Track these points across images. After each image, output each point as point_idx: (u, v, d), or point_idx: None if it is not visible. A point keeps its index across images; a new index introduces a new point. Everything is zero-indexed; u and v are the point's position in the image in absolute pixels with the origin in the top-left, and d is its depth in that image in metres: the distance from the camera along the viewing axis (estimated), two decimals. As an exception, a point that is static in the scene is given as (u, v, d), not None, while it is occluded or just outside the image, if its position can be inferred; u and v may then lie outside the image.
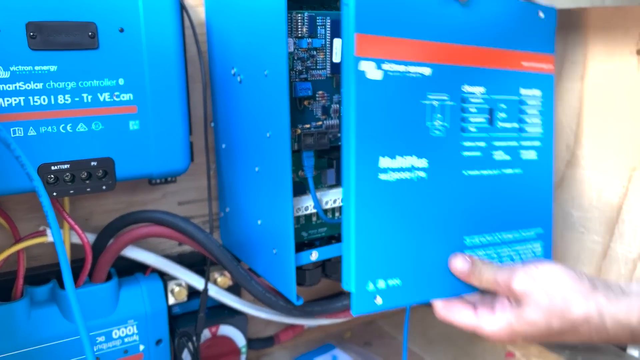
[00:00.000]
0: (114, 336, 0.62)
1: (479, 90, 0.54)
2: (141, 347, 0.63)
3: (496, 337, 0.51)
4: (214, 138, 0.70)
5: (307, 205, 0.59)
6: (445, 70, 0.52)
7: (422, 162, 0.51)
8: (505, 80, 0.56)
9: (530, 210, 0.59)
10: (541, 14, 0.58)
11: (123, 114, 0.56)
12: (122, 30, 0.55)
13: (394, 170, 0.50)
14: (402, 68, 0.49)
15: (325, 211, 0.60)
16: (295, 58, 0.56)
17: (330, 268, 0.61)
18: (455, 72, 0.53)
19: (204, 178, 0.71)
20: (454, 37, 0.52)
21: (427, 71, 0.51)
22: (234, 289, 0.72)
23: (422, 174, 0.51)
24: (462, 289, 0.54)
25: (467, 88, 0.54)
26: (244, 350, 0.74)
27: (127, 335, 0.62)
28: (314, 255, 0.59)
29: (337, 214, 0.63)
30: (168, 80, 0.58)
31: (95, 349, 0.61)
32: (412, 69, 0.50)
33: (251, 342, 0.79)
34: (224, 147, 0.68)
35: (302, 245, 0.60)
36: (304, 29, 0.56)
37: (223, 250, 0.62)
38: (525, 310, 0.49)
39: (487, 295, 0.54)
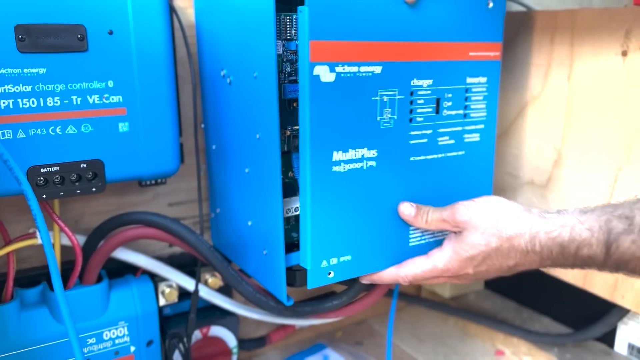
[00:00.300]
0: (105, 338, 0.62)
1: (426, 82, 0.58)
2: (132, 349, 0.64)
3: (448, 268, 0.56)
4: (204, 139, 0.70)
5: (297, 206, 0.59)
6: (395, 67, 0.55)
7: (372, 153, 0.56)
8: (453, 71, 0.60)
9: (473, 186, 0.64)
10: (490, 4, 0.61)
11: (112, 116, 0.56)
12: (111, 33, 0.55)
13: (346, 162, 0.54)
14: (354, 69, 0.53)
15: (315, 212, 0.61)
16: (284, 60, 0.56)
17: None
18: (405, 67, 0.56)
19: (194, 179, 0.71)
20: (403, 35, 0.55)
21: (377, 69, 0.54)
22: (224, 290, 0.72)
23: (372, 163, 0.56)
24: (403, 258, 0.60)
25: (415, 82, 0.57)
26: (235, 350, 0.74)
27: (117, 337, 0.62)
28: (304, 256, 0.59)
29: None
30: (157, 82, 0.58)
31: (86, 351, 0.61)
32: (364, 68, 0.53)
33: (242, 343, 0.79)
34: (214, 149, 0.68)
35: (292, 246, 0.61)
36: (293, 32, 0.56)
37: (213, 251, 0.63)
38: (466, 235, 0.54)
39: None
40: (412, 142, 0.58)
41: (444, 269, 0.56)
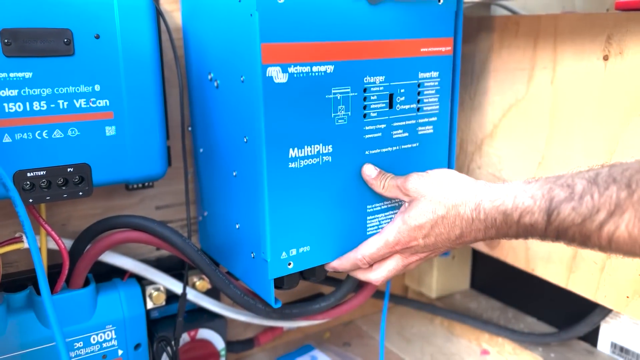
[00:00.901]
0: (92, 341, 0.61)
1: (379, 79, 0.59)
2: (120, 352, 0.63)
3: (399, 240, 0.57)
4: (191, 142, 0.70)
5: (284, 209, 0.59)
6: (347, 65, 0.57)
7: (328, 148, 0.57)
8: (405, 67, 0.61)
9: None
10: (440, 1, 0.62)
11: (99, 119, 0.56)
12: (97, 37, 0.55)
13: (301, 158, 0.56)
14: (306, 69, 0.54)
15: (303, 215, 0.61)
16: (272, 64, 0.57)
17: (308, 271, 0.62)
18: (357, 65, 0.58)
19: (181, 182, 0.71)
20: (354, 34, 0.57)
21: (329, 69, 0.56)
22: (212, 293, 0.72)
23: (327, 158, 0.58)
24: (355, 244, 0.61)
25: (368, 79, 0.59)
26: (223, 353, 0.74)
27: (105, 341, 0.62)
28: (292, 259, 0.60)
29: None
30: (144, 85, 0.59)
31: (73, 355, 0.60)
32: (316, 68, 0.55)
33: (230, 345, 0.79)
34: (201, 152, 0.68)
35: (279, 249, 0.61)
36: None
37: (201, 254, 0.63)
38: (414, 204, 0.56)
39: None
40: (367, 136, 0.60)
41: (395, 241, 0.57)
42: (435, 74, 0.64)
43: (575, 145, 0.65)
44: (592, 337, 0.79)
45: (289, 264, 0.58)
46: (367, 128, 0.59)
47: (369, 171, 0.60)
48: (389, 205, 0.63)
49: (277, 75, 0.52)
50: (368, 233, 0.62)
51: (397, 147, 0.62)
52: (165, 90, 0.65)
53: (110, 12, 0.55)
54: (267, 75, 0.52)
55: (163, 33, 0.65)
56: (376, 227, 0.63)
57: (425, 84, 0.63)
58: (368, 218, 0.62)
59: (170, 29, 0.64)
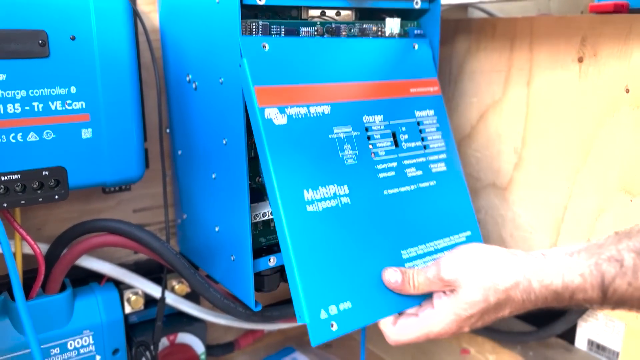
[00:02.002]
0: (69, 347, 0.61)
1: (378, 118, 0.60)
2: (97, 358, 0.63)
3: (446, 332, 0.52)
4: (169, 144, 0.70)
5: (264, 211, 0.59)
6: (343, 106, 0.57)
7: (344, 189, 0.55)
8: (399, 106, 0.62)
9: (454, 216, 0.63)
10: (415, 46, 0.64)
11: (75, 122, 0.56)
12: (73, 38, 0.54)
13: (319, 200, 0.53)
14: (303, 110, 0.54)
15: (283, 217, 0.61)
16: (251, 66, 0.56)
17: (288, 273, 0.62)
18: (353, 106, 0.58)
19: (159, 185, 0.70)
20: (345, 76, 0.58)
21: (327, 109, 0.56)
22: (192, 296, 0.72)
23: (345, 199, 0.55)
24: (409, 301, 0.56)
25: (367, 118, 0.59)
26: (203, 357, 0.74)
27: (82, 346, 0.61)
28: (272, 261, 0.59)
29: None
30: (121, 87, 0.58)
31: (49, 361, 0.60)
32: (313, 109, 0.55)
33: (210, 349, 0.78)
34: (180, 154, 0.67)
35: (260, 251, 0.61)
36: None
37: (180, 258, 0.62)
38: (461, 293, 0.51)
39: (426, 299, 0.56)
40: (380, 175, 0.58)
41: (440, 332, 0.52)
42: (430, 112, 0.64)
43: (552, 146, 0.66)
44: (569, 335, 0.80)
45: (332, 326, 0.51)
46: (378, 167, 0.58)
47: (392, 277, 0.54)
48: (426, 250, 0.59)
49: (276, 116, 0.52)
50: None
51: (415, 186, 0.61)
52: (142, 92, 0.65)
53: (87, 13, 0.55)
54: (266, 117, 0.52)
55: (140, 34, 0.64)
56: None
57: (425, 122, 0.63)
58: (406, 265, 0.57)
59: (147, 30, 0.63)
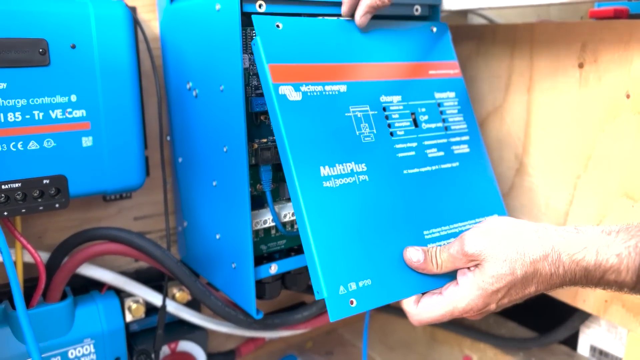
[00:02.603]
0: (70, 356, 0.60)
1: (396, 99, 0.59)
2: (98, 367, 0.62)
3: (471, 308, 0.50)
4: (170, 152, 0.70)
5: (265, 218, 0.59)
6: (360, 85, 0.57)
7: (361, 167, 0.54)
8: (418, 87, 0.61)
9: (480, 198, 0.62)
10: (434, 29, 0.64)
11: (76, 130, 0.56)
12: (73, 47, 0.54)
13: (335, 177, 0.53)
14: (319, 88, 0.54)
15: (284, 224, 0.61)
16: (251, 74, 0.56)
17: (290, 280, 0.62)
18: (370, 86, 0.57)
19: (160, 192, 0.70)
20: (360, 57, 0.57)
21: (342, 88, 0.55)
22: (193, 304, 0.72)
23: (363, 177, 0.54)
24: (431, 282, 0.54)
25: (384, 98, 0.58)
26: (204, 365, 0.74)
27: (83, 355, 0.61)
28: (274, 269, 0.59)
29: (295, 227, 0.63)
30: (122, 95, 0.58)
31: (50, 370, 0.59)
32: (329, 87, 0.55)
33: (212, 357, 0.78)
34: (180, 161, 0.67)
35: (261, 259, 0.61)
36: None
37: (181, 266, 0.62)
38: (486, 267, 0.48)
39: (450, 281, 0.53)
40: (400, 155, 0.57)
41: (465, 309, 0.50)
42: (451, 94, 0.63)
43: (553, 151, 0.66)
44: (572, 341, 0.79)
45: (352, 302, 0.50)
46: (397, 146, 0.57)
47: (414, 256, 0.52)
48: (450, 232, 0.58)
49: (291, 93, 0.52)
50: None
51: (437, 167, 0.60)
52: (143, 100, 0.65)
53: (87, 21, 0.55)
54: (280, 93, 0.52)
55: (140, 42, 0.64)
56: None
57: (445, 104, 0.62)
58: (428, 246, 0.55)
59: (147, 38, 0.63)
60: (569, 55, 0.63)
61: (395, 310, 0.94)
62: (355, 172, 0.54)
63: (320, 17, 0.57)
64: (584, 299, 0.65)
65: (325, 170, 0.52)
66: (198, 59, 0.59)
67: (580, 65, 0.62)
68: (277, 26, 0.53)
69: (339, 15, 0.59)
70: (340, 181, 0.53)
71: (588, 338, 0.77)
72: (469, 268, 0.50)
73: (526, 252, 0.47)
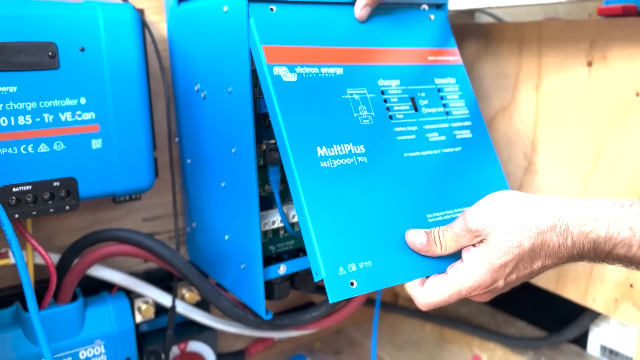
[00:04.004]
0: (81, 357, 0.61)
1: (394, 83, 0.58)
2: (109, 367, 0.63)
3: (479, 285, 0.47)
4: (178, 153, 0.70)
5: (274, 219, 0.59)
6: (357, 68, 0.56)
7: (360, 148, 0.54)
8: (417, 72, 0.60)
9: (484, 183, 0.60)
10: (432, 17, 0.63)
11: (85, 133, 0.56)
12: (82, 50, 0.54)
13: (333, 157, 0.52)
14: (314, 70, 0.54)
15: (293, 225, 0.61)
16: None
17: (299, 281, 0.62)
18: (367, 69, 0.57)
19: (169, 193, 0.71)
20: (357, 41, 0.57)
21: (339, 71, 0.55)
22: (202, 305, 0.72)
23: (362, 158, 0.54)
24: (434, 265, 0.52)
25: (382, 82, 0.58)
26: (213, 365, 0.74)
27: (94, 356, 0.62)
28: (282, 269, 0.59)
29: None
30: (130, 97, 0.58)
31: (61, 371, 0.60)
32: (324, 70, 0.54)
33: (221, 357, 0.78)
34: (189, 163, 0.68)
35: (270, 259, 0.61)
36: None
37: (190, 267, 0.62)
38: (492, 240, 0.47)
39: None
40: (399, 138, 0.57)
41: (473, 287, 0.47)
42: (452, 80, 0.63)
43: (562, 150, 0.66)
44: (581, 340, 0.79)
45: (352, 284, 0.48)
46: (397, 129, 0.57)
47: (417, 238, 0.51)
48: (453, 216, 0.56)
49: (285, 74, 0.52)
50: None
51: (439, 151, 0.58)
52: (151, 102, 0.65)
53: (95, 24, 0.55)
54: (274, 73, 0.51)
55: (148, 44, 0.65)
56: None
57: (446, 89, 0.62)
58: (428, 218, 0.55)
59: (155, 40, 0.64)
60: (578, 53, 0.63)
61: (404, 310, 0.94)
62: (353, 154, 0.53)
63: (315, 4, 0.56)
64: (593, 298, 0.65)
65: (322, 151, 0.52)
66: (206, 61, 0.59)
67: (589, 64, 0.62)
68: (271, 9, 0.53)
69: (339, 3, 0.58)
70: (338, 162, 0.52)
71: (598, 337, 0.77)
72: (474, 245, 0.49)
73: (533, 223, 0.45)
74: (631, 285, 0.61)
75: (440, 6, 0.64)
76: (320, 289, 0.69)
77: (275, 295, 0.60)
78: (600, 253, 0.44)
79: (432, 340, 0.91)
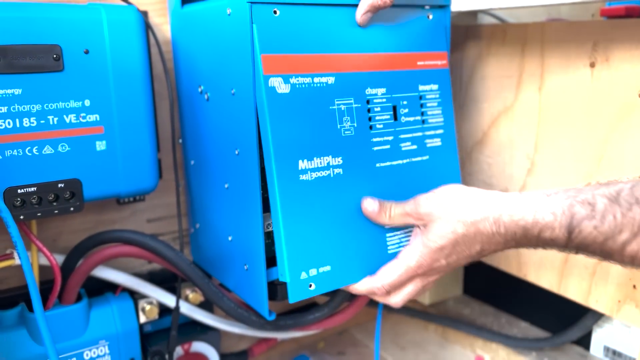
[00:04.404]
0: (86, 357, 0.61)
1: (380, 91, 0.60)
2: (113, 368, 0.63)
3: (421, 264, 0.55)
4: (182, 155, 0.70)
5: (277, 220, 0.59)
6: (347, 77, 0.57)
7: (337, 160, 0.56)
8: (404, 79, 0.62)
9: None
10: (430, 16, 0.64)
11: (89, 134, 0.56)
12: (87, 52, 0.55)
13: (312, 170, 0.55)
14: (307, 80, 0.55)
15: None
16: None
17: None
18: (357, 77, 0.58)
19: (172, 195, 0.71)
20: (352, 47, 0.58)
21: (330, 80, 0.56)
22: (205, 305, 0.72)
23: (338, 170, 0.57)
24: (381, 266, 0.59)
25: (369, 90, 0.59)
26: (217, 365, 0.74)
27: (98, 356, 0.62)
28: (285, 270, 0.60)
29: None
30: (134, 99, 0.59)
31: (66, 372, 0.60)
32: (317, 79, 0.55)
33: (224, 357, 0.79)
34: (192, 164, 0.68)
35: (273, 260, 0.61)
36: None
37: (194, 267, 0.63)
38: (431, 227, 0.54)
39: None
40: (375, 148, 0.59)
41: (417, 265, 0.55)
42: (434, 86, 0.64)
43: (564, 151, 0.66)
44: (585, 341, 0.79)
45: (310, 286, 0.55)
46: (374, 140, 0.59)
47: (370, 206, 0.57)
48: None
49: (280, 85, 0.53)
50: (389, 252, 0.60)
51: (408, 160, 0.61)
52: (155, 103, 0.65)
53: (99, 27, 0.55)
54: (269, 85, 0.52)
55: (152, 46, 0.65)
56: (397, 246, 0.61)
57: (427, 97, 0.63)
58: (387, 235, 0.60)
59: (159, 42, 0.64)
60: (580, 54, 0.63)
61: (407, 311, 0.94)
62: (331, 166, 0.56)
63: (318, 6, 0.56)
64: (596, 298, 0.65)
65: (303, 164, 0.54)
66: (209, 63, 0.60)
67: (592, 65, 0.62)
68: (274, 12, 0.53)
69: (340, 5, 0.58)
70: (316, 174, 0.55)
71: (601, 338, 0.77)
72: (419, 228, 0.56)
73: (468, 213, 0.52)
74: (634, 286, 0.61)
75: (442, 7, 0.65)
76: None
77: (278, 296, 0.60)
78: (530, 238, 0.50)
79: (435, 340, 0.91)
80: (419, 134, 0.62)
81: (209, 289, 0.63)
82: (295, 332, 0.74)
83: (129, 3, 0.62)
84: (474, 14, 0.84)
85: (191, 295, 0.71)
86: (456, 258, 0.55)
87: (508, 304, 0.92)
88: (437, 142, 0.64)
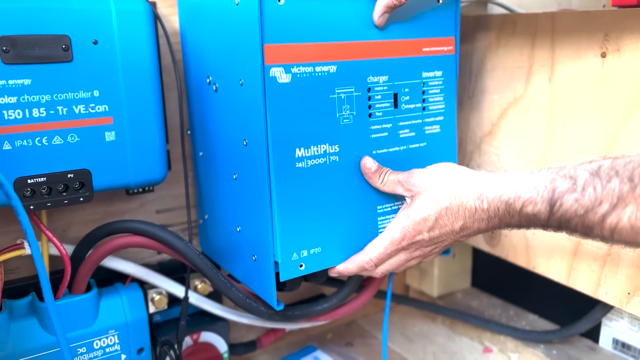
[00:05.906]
0: (95, 347, 0.62)
1: (382, 79, 0.60)
2: (123, 357, 0.63)
3: (404, 235, 0.57)
4: (191, 146, 0.70)
5: (285, 211, 0.59)
6: (350, 65, 0.57)
7: (334, 148, 0.58)
8: (408, 66, 0.62)
9: None
10: (440, 0, 0.63)
11: (99, 125, 0.56)
12: (96, 42, 0.55)
13: (308, 158, 0.56)
14: (309, 69, 0.55)
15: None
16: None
17: (310, 272, 0.62)
18: (360, 65, 0.58)
19: (181, 186, 0.71)
20: (356, 35, 0.57)
21: (332, 69, 0.56)
22: (214, 295, 0.73)
23: (334, 158, 0.58)
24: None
25: (371, 78, 0.59)
26: (226, 355, 0.74)
27: (108, 346, 0.62)
28: (293, 261, 0.60)
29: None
30: (143, 90, 0.59)
31: (76, 360, 0.61)
32: (319, 68, 0.55)
33: (233, 347, 0.79)
34: (201, 155, 0.68)
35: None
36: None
37: (203, 258, 0.63)
38: (417, 199, 0.57)
39: None
40: (373, 136, 0.60)
41: (400, 236, 0.57)
42: (438, 73, 0.64)
43: (574, 142, 0.65)
44: (594, 334, 0.79)
45: (301, 266, 0.58)
46: (373, 128, 0.60)
47: (369, 164, 0.59)
48: (399, 206, 0.63)
49: (281, 75, 0.53)
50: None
51: (405, 147, 0.62)
52: (163, 94, 0.65)
53: (108, 17, 0.55)
54: (270, 75, 0.52)
55: (161, 37, 0.65)
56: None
57: (430, 84, 0.63)
58: (379, 219, 0.62)
59: (168, 33, 0.64)
60: (591, 44, 0.62)
61: (414, 302, 0.94)
62: (327, 153, 0.57)
63: None
64: (606, 291, 0.64)
65: (300, 152, 0.55)
66: (218, 53, 0.60)
67: (603, 55, 0.61)
68: (279, 1, 0.52)
69: None
70: (312, 162, 0.56)
71: (610, 330, 0.76)
72: (406, 201, 0.59)
73: (452, 187, 0.54)
74: (644, 279, 0.61)
75: None
76: (331, 280, 0.70)
77: (286, 287, 0.60)
78: (513, 214, 0.51)
79: (442, 332, 0.91)
80: (419, 121, 0.63)
81: (217, 279, 0.64)
82: (304, 322, 0.74)
83: (138, -6, 0.62)
84: (483, 4, 0.83)
85: (200, 285, 0.71)
86: (439, 233, 0.56)
87: (516, 296, 0.92)
88: (436, 129, 0.65)
